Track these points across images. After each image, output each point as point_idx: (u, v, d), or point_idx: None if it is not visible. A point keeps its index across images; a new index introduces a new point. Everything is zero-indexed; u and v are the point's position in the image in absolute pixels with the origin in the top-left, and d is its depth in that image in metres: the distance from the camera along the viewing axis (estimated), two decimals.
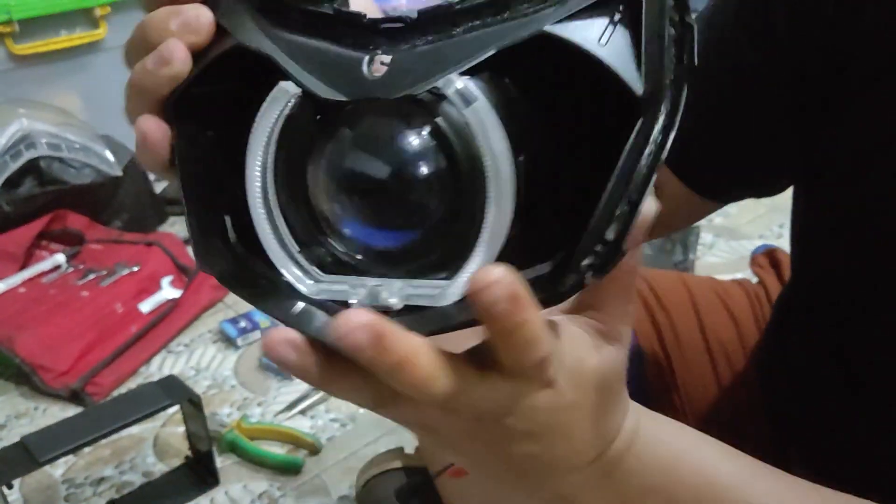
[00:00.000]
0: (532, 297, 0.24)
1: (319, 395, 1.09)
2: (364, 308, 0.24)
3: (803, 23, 0.47)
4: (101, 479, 0.98)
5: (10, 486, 0.80)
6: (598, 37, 0.26)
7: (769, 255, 0.80)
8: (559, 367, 0.27)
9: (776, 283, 0.74)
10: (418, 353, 0.24)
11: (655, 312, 0.71)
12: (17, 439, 0.83)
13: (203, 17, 0.28)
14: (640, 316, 0.70)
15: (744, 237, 1.45)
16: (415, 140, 0.26)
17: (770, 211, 1.48)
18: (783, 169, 0.54)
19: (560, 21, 0.26)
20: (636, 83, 0.25)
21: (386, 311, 0.27)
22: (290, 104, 0.27)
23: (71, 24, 1.54)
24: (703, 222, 1.40)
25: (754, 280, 0.76)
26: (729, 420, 0.67)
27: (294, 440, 1.02)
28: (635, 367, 0.68)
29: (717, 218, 1.49)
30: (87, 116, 1.57)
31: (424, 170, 0.26)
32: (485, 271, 0.23)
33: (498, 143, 0.25)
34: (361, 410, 1.11)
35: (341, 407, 1.09)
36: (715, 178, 0.56)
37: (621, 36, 0.26)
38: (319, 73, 0.27)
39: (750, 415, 0.66)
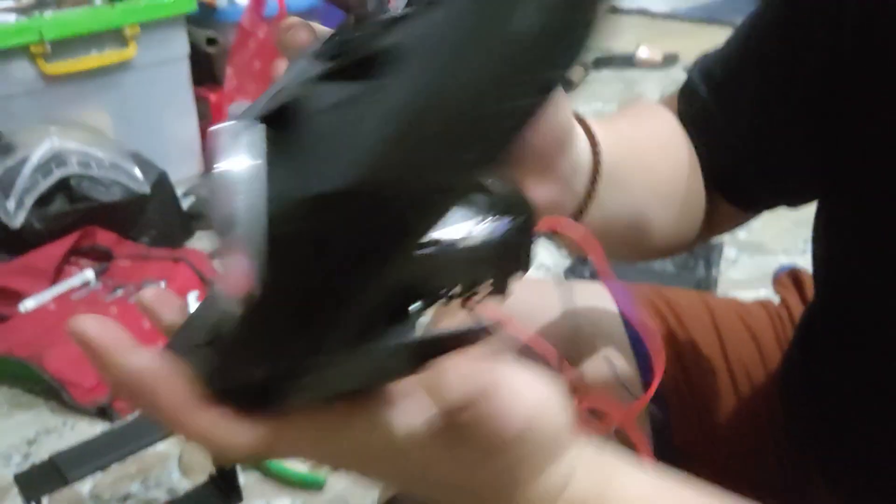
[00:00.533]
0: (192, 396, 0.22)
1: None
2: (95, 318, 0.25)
3: (827, 19, 0.47)
4: (127, 496, 1.00)
5: (38, 503, 0.82)
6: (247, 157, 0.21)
7: (792, 275, 0.79)
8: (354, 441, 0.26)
9: (799, 303, 0.73)
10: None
11: (676, 331, 0.71)
12: (46, 454, 0.85)
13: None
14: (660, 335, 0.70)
15: (768, 252, 1.44)
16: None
17: (795, 226, 1.47)
18: (810, 177, 0.54)
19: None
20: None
21: None
22: None
23: (101, 44, 1.57)
24: (726, 237, 1.39)
25: (777, 300, 0.76)
26: (750, 441, 0.66)
27: None
28: (659, 406, 0.68)
29: (741, 233, 1.48)
30: (116, 134, 1.60)
31: None
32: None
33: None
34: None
35: None
36: (746, 187, 0.56)
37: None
38: None
39: (771, 436, 0.66)
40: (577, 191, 0.44)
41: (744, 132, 0.53)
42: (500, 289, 0.30)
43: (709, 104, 0.54)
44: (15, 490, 1.00)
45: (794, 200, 0.58)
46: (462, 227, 0.25)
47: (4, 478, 1.03)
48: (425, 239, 0.23)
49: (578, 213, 0.45)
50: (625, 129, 0.50)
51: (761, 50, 0.52)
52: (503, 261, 0.28)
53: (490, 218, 0.26)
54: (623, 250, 0.55)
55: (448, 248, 0.24)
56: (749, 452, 0.66)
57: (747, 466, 0.66)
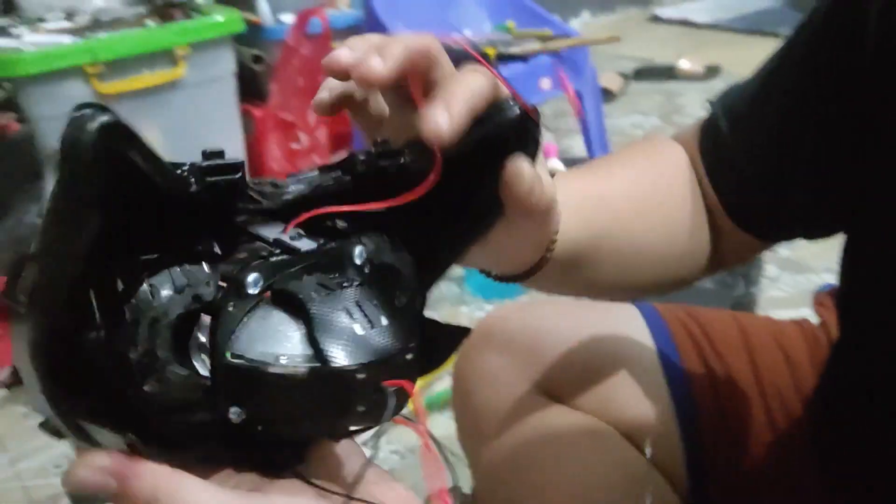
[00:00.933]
0: None
1: (379, 427, 1.12)
2: None
3: (849, 41, 0.48)
4: None
5: None
6: None
7: (832, 295, 0.78)
8: None
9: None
10: None
11: (708, 356, 0.70)
12: None
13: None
14: (692, 359, 0.70)
15: (810, 271, 1.41)
16: None
17: (838, 244, 1.44)
18: (828, 208, 0.54)
19: None
20: None
21: None
22: None
23: (152, 64, 1.62)
24: (766, 254, 1.38)
25: (816, 320, 0.75)
26: (782, 468, 0.66)
27: None
28: (688, 413, 0.68)
29: (783, 250, 1.46)
30: (165, 150, 1.61)
31: None
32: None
33: None
34: (421, 442, 1.12)
35: (402, 438, 1.11)
36: (763, 217, 0.56)
37: None
38: None
39: (803, 464, 0.65)
40: (514, 271, 0.45)
41: (761, 163, 0.53)
42: (330, 435, 0.31)
43: (728, 136, 0.54)
44: (65, 500, 1.04)
45: (812, 232, 0.58)
46: (288, 346, 0.28)
47: (54, 486, 1.08)
48: (236, 347, 0.27)
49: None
50: (605, 195, 0.51)
51: (784, 79, 0.53)
52: (332, 402, 0.28)
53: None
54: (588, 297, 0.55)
55: (249, 366, 0.27)
56: (781, 480, 0.65)
57: (779, 491, 0.65)
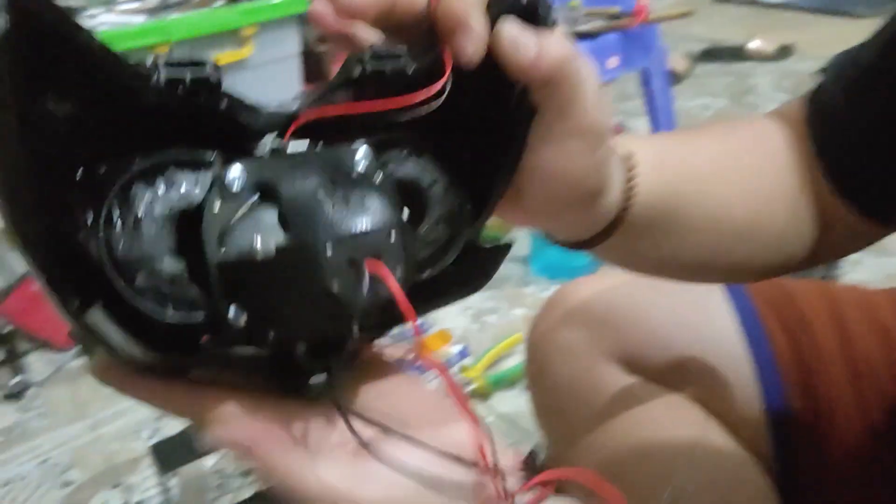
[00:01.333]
0: None
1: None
2: None
3: None
4: (250, 470, 1.04)
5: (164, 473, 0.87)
6: None
7: None
8: None
9: None
10: None
11: (794, 329, 0.68)
12: (173, 431, 0.90)
13: None
14: (777, 333, 0.67)
15: (894, 253, 1.36)
16: None
17: None
18: None
19: None
20: None
21: None
22: None
23: (220, 44, 1.64)
24: None
25: None
26: (877, 458, 0.63)
27: None
28: (776, 400, 0.65)
29: None
30: None
31: None
32: None
33: None
34: (489, 419, 1.12)
35: (499, 405, 1.10)
36: (881, 196, 0.49)
37: None
38: None
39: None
40: (587, 231, 0.42)
41: (885, 132, 0.48)
42: (330, 329, 0.30)
43: (843, 106, 0.49)
44: (145, 463, 1.06)
45: None
46: (266, 235, 0.28)
47: (135, 450, 1.10)
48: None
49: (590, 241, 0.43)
50: (693, 162, 0.47)
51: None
52: (308, 282, 0.28)
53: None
54: (675, 277, 0.53)
55: (233, 260, 0.28)
56: (873, 469, 0.63)
57: (866, 471, 0.63)
